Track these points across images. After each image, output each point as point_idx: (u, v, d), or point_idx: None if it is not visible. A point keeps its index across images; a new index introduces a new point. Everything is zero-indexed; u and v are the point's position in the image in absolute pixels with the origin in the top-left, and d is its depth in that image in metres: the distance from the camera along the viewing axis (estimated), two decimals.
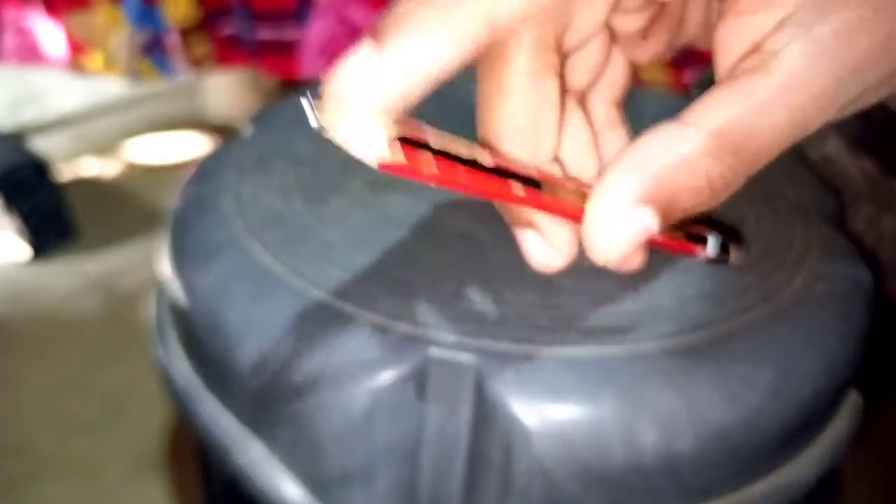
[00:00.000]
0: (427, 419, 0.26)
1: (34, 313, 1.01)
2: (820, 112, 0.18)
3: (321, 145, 0.39)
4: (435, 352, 0.25)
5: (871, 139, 0.38)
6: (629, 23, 0.23)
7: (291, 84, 1.33)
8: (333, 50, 1.04)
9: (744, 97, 0.17)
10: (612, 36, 0.24)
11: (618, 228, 0.17)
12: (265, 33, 1.04)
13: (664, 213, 0.17)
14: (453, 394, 0.25)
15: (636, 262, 0.18)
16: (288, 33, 1.04)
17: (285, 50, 1.05)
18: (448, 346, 0.26)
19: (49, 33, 1.10)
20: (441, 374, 0.25)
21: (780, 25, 0.18)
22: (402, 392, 0.25)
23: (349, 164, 0.39)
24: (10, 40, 1.11)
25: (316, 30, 1.02)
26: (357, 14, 1.00)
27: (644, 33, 0.24)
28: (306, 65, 1.05)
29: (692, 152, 0.17)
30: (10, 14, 1.09)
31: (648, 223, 0.17)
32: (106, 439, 0.81)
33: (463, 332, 0.26)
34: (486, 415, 0.25)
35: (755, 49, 0.18)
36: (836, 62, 0.17)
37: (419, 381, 0.25)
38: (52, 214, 1.11)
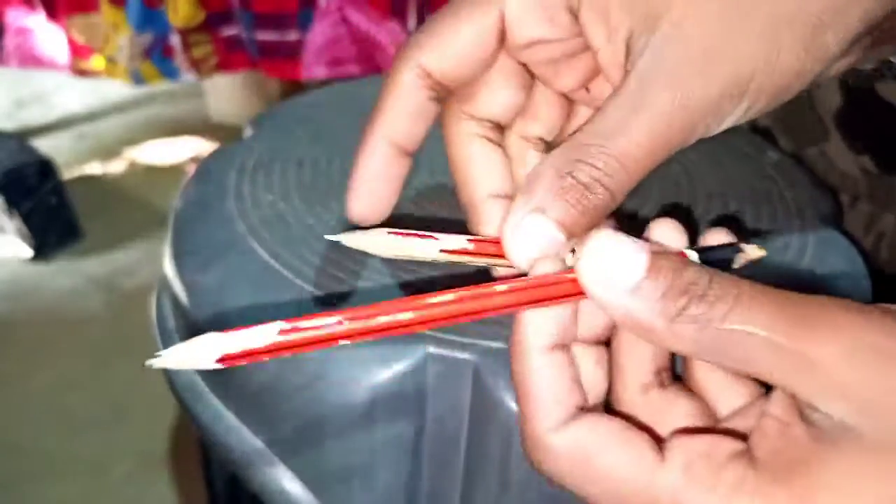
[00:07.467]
0: (427, 415, 0.26)
1: (37, 313, 1.02)
2: None
3: (321, 147, 0.40)
4: (434, 349, 0.26)
5: (871, 137, 0.38)
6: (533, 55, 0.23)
7: (293, 85, 1.33)
8: (334, 52, 1.04)
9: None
10: (529, 73, 0.24)
11: (521, 236, 0.19)
12: (266, 35, 1.05)
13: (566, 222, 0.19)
14: (452, 390, 0.26)
15: (547, 267, 0.19)
16: (289, 35, 1.04)
17: (287, 52, 1.05)
18: (447, 343, 0.26)
19: (51, 36, 1.10)
20: (440, 370, 0.26)
21: None
22: (402, 389, 0.26)
23: (349, 166, 0.39)
24: (11, 43, 1.12)
25: (317, 32, 1.03)
26: (358, 16, 1.00)
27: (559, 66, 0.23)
28: (308, 67, 1.05)
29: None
30: (12, 17, 1.10)
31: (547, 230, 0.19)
32: (110, 437, 0.82)
33: (462, 329, 0.26)
34: (484, 411, 0.25)
35: None
36: None
37: (419, 377, 0.26)
38: (55, 214, 1.11)
